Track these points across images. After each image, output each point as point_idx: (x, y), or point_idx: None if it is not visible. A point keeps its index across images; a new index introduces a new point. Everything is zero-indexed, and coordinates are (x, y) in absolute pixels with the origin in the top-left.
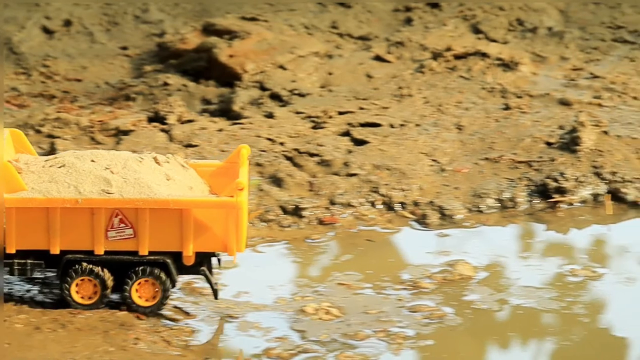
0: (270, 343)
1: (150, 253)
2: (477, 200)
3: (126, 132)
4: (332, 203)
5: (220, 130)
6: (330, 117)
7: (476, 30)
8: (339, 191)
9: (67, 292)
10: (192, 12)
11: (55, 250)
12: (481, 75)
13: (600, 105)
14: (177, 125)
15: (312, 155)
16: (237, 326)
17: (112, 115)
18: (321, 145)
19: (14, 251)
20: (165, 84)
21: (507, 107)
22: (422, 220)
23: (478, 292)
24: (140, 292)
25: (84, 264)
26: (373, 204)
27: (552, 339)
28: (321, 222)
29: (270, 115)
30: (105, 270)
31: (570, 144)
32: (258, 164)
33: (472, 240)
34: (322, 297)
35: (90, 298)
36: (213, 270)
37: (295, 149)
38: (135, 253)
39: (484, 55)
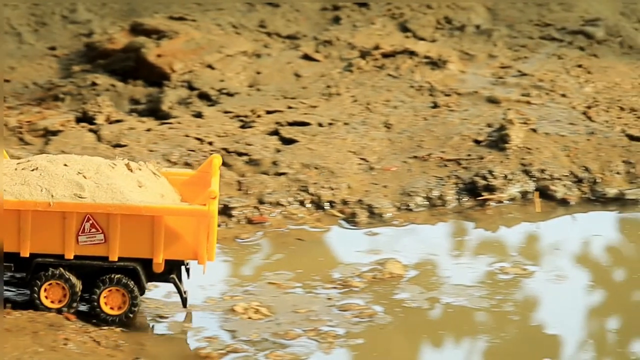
0: (200, 343)
1: (120, 259)
2: (406, 199)
3: (55, 133)
4: (261, 202)
5: (149, 130)
6: (259, 116)
7: (404, 28)
8: (268, 190)
9: (36, 295)
10: (120, 12)
11: (25, 253)
12: (409, 74)
13: (528, 102)
14: (105, 126)
15: (240, 154)
16: (167, 326)
17: (40, 116)
18: (250, 145)
19: None
20: (94, 84)
21: (436, 106)
22: (351, 219)
23: (408, 291)
24: (109, 301)
25: (54, 268)
26: (302, 203)
27: (483, 336)
28: (250, 222)
29: (198, 115)
30: (75, 275)
31: (498, 141)
32: (187, 164)
33: (402, 238)
34: (252, 297)
35: (60, 302)
36: (182, 278)
37: (224, 149)
38: (105, 258)
39: (412, 53)
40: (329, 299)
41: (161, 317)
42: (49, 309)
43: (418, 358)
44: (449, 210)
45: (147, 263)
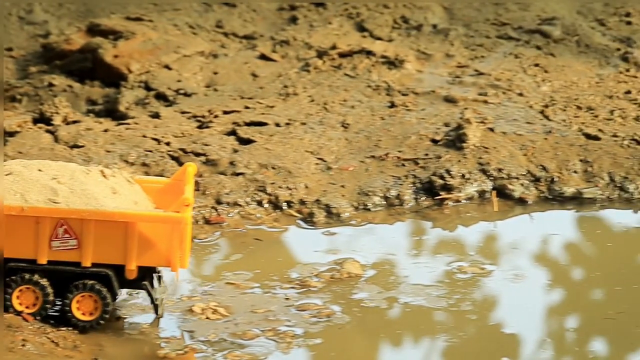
0: (158, 343)
1: (93, 265)
2: (364, 199)
3: (12, 134)
4: (219, 202)
5: (106, 130)
6: (216, 116)
7: (361, 28)
8: (225, 190)
9: (8, 300)
10: (76, 12)
11: None
12: (366, 73)
13: (485, 102)
14: (62, 127)
15: (198, 154)
16: (125, 327)
17: None
18: (207, 145)
19: None
20: (51, 84)
21: (393, 105)
22: (308, 219)
23: (366, 290)
24: (81, 306)
25: (26, 273)
26: (260, 203)
27: (441, 336)
28: (208, 222)
29: (155, 115)
30: (47, 280)
31: (456, 141)
32: (144, 164)
33: (360, 238)
34: (210, 297)
35: (34, 305)
36: (155, 285)
37: (181, 149)
38: (78, 264)
39: (369, 53)
40: (287, 299)
41: (120, 318)
42: (19, 314)
43: (376, 358)
44: (407, 210)
45: (119, 269)
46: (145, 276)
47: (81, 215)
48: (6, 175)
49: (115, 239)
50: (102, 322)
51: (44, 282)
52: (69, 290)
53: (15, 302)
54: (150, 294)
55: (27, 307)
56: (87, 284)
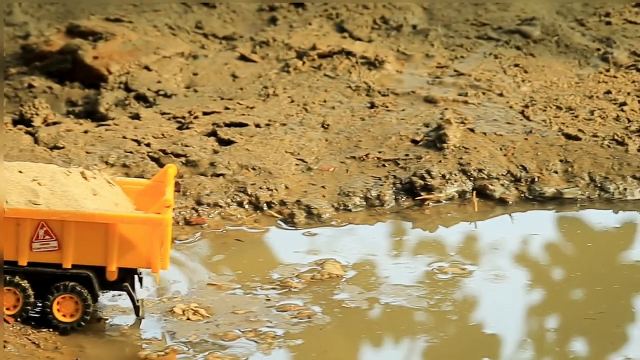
0: (139, 344)
1: (74, 267)
2: (344, 199)
3: None
4: (199, 203)
5: (86, 132)
6: (196, 117)
7: (341, 29)
8: (206, 191)
9: None
10: (56, 13)
11: None
12: (346, 74)
13: (465, 102)
14: (42, 128)
15: (178, 156)
16: (106, 328)
17: None
18: (187, 146)
19: None
20: (30, 86)
21: (373, 106)
22: (289, 220)
23: (347, 291)
24: (61, 308)
25: (7, 275)
26: (240, 204)
27: (422, 336)
28: (188, 223)
29: (135, 117)
30: (28, 281)
31: (436, 141)
32: (124, 166)
33: (340, 239)
34: (191, 298)
35: (15, 307)
36: (136, 286)
37: (161, 150)
38: (59, 266)
39: (348, 53)
40: (268, 299)
41: (100, 319)
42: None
43: (357, 358)
44: (387, 211)
45: (100, 271)
46: (126, 278)
47: (62, 216)
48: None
49: (95, 241)
50: (83, 323)
51: (24, 283)
52: (49, 292)
53: None
54: (131, 296)
55: (7, 309)
56: (68, 286)
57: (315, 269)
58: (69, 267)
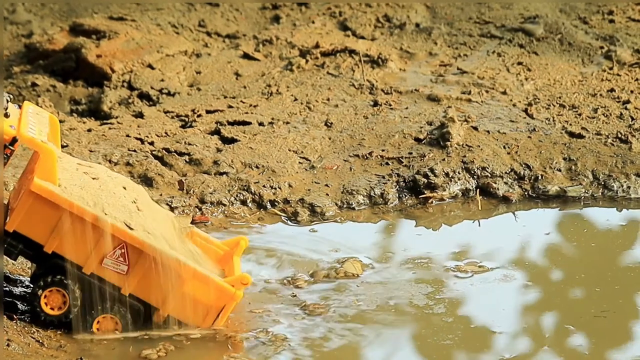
0: (142, 343)
1: (130, 296)
2: (348, 197)
3: None
4: (203, 202)
5: (90, 130)
6: (199, 115)
7: (344, 27)
8: (210, 190)
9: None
10: (59, 12)
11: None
12: (350, 72)
13: (469, 100)
14: None
15: (181, 154)
16: None
17: None
18: (190, 145)
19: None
20: (34, 84)
21: (376, 104)
22: (293, 218)
23: (356, 290)
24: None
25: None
26: (244, 202)
27: (431, 336)
28: (192, 222)
29: (139, 115)
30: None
31: (439, 139)
32: (128, 164)
33: (346, 237)
34: None
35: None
36: None
37: (165, 149)
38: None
39: (352, 52)
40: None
41: None
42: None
43: (366, 358)
44: (391, 209)
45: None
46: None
47: (153, 252)
48: (93, 178)
49: (162, 283)
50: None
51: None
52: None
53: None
54: None
55: (52, 309)
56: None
57: (333, 267)
58: (127, 293)
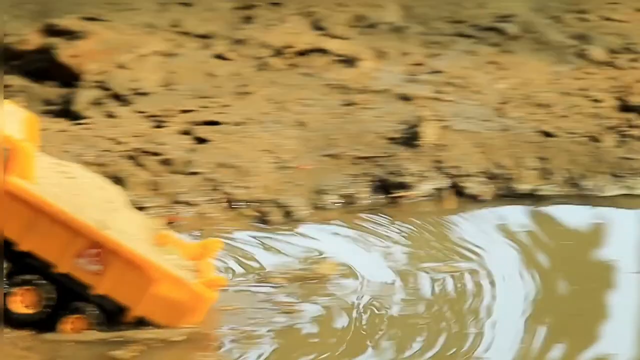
0: (113, 344)
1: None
2: (320, 197)
3: None
4: (175, 202)
5: (63, 130)
6: (173, 116)
7: (317, 27)
8: (182, 190)
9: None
10: (33, 13)
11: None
12: (322, 72)
13: (441, 99)
14: None
15: (154, 154)
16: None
17: None
18: (163, 144)
19: None
20: (8, 85)
21: (349, 104)
22: (265, 218)
23: (331, 289)
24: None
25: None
26: (216, 202)
27: (402, 334)
28: (165, 222)
29: (111, 115)
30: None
31: (411, 139)
32: (100, 164)
33: (317, 237)
34: None
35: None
36: None
37: (137, 149)
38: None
39: (325, 51)
40: (257, 296)
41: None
42: None
43: (339, 356)
44: (363, 208)
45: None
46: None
47: (127, 253)
48: (69, 177)
49: (135, 284)
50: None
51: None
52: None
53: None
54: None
55: (26, 307)
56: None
57: (306, 268)
58: (96, 292)
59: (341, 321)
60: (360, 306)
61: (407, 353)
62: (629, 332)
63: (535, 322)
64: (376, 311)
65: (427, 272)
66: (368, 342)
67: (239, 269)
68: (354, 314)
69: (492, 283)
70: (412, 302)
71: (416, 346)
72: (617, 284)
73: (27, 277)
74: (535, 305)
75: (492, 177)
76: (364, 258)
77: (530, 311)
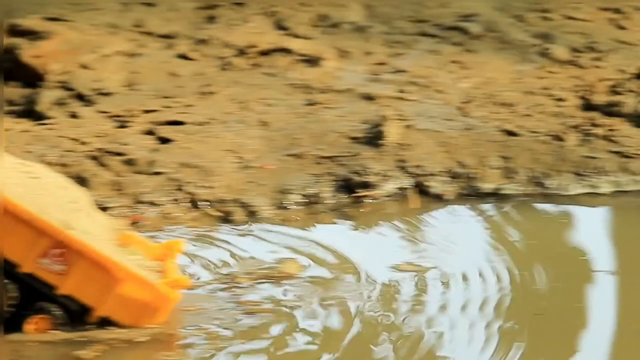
0: (77, 344)
1: (66, 296)
2: (283, 197)
3: None
4: (138, 202)
5: (25, 131)
6: (135, 116)
7: (280, 26)
8: (145, 190)
9: None
10: None
11: None
12: (285, 72)
13: (404, 99)
14: None
15: (117, 154)
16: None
17: None
18: (126, 145)
19: None
20: None
21: (312, 103)
22: (228, 218)
23: (294, 291)
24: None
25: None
26: (179, 202)
27: (369, 339)
28: (128, 222)
29: (74, 115)
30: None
31: (374, 138)
32: (63, 165)
33: (282, 237)
34: None
35: None
36: None
37: (100, 149)
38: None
39: (287, 51)
40: (221, 296)
41: None
42: None
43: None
44: (326, 208)
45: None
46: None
47: (91, 253)
48: (33, 178)
49: (99, 283)
50: None
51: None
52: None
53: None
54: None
55: None
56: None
57: (270, 268)
58: (61, 292)
59: (307, 319)
60: (325, 305)
61: (375, 350)
62: (592, 332)
63: (497, 322)
64: (341, 309)
65: (391, 272)
66: (338, 340)
67: (202, 270)
68: (321, 314)
69: (455, 283)
70: (376, 301)
71: (381, 345)
72: (581, 282)
73: None
74: (498, 305)
75: (455, 176)
76: (328, 258)
77: (492, 311)
